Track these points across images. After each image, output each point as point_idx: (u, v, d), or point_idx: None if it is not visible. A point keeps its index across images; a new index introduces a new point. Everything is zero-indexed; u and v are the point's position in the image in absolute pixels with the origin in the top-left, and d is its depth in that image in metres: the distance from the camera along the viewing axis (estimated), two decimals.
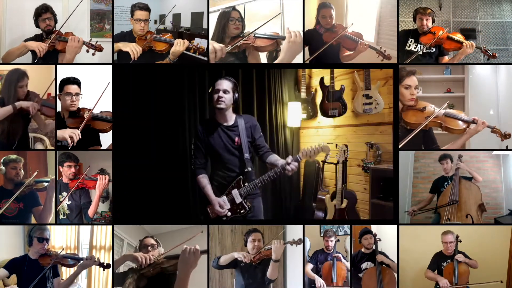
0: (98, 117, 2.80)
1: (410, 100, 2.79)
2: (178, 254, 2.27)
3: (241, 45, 2.86)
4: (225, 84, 2.59)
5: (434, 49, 2.98)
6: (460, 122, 2.75)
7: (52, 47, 2.84)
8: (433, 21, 2.96)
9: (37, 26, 2.86)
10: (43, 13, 2.83)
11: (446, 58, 3.04)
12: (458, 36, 2.92)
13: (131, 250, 2.66)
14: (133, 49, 2.83)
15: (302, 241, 2.69)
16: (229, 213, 2.61)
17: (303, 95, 3.87)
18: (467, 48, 2.88)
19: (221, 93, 2.58)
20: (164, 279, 2.45)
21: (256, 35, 2.87)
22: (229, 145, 2.63)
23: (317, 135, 3.96)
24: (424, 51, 2.95)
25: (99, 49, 2.85)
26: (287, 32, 2.82)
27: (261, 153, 2.72)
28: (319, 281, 2.87)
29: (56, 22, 2.87)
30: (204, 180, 2.64)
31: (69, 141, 2.67)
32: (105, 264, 2.63)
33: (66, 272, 2.83)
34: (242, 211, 2.62)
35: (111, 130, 2.81)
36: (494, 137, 2.74)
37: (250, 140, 2.67)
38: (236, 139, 2.64)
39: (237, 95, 2.63)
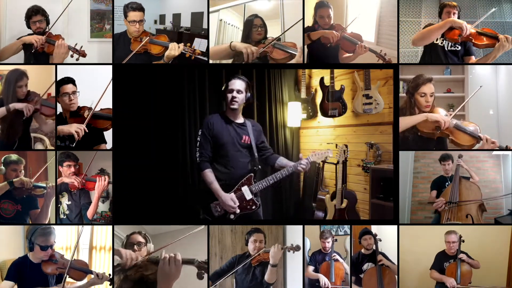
0: (98, 115, 2.80)
1: (425, 107, 2.73)
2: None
3: (261, 52, 2.87)
4: (238, 84, 2.61)
5: (459, 47, 2.88)
6: (467, 137, 2.70)
7: (42, 49, 2.81)
8: (459, 18, 2.87)
9: (29, 27, 2.83)
10: (33, 15, 2.79)
11: (473, 59, 2.92)
12: (490, 32, 2.75)
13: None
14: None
15: (299, 248, 2.69)
16: (238, 210, 2.61)
17: (303, 95, 3.86)
18: (504, 42, 2.69)
19: (234, 93, 2.60)
20: (146, 285, 2.15)
21: (275, 45, 2.87)
22: (236, 142, 2.64)
23: (317, 135, 3.96)
24: (449, 48, 2.86)
25: (83, 54, 2.81)
26: None
27: (267, 154, 2.77)
28: (323, 279, 2.86)
29: (48, 23, 2.84)
30: (211, 175, 2.59)
31: (76, 135, 2.68)
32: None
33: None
34: (253, 207, 2.63)
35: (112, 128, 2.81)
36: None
37: (257, 143, 2.71)
38: (244, 137, 2.66)
39: (249, 94, 2.65)
